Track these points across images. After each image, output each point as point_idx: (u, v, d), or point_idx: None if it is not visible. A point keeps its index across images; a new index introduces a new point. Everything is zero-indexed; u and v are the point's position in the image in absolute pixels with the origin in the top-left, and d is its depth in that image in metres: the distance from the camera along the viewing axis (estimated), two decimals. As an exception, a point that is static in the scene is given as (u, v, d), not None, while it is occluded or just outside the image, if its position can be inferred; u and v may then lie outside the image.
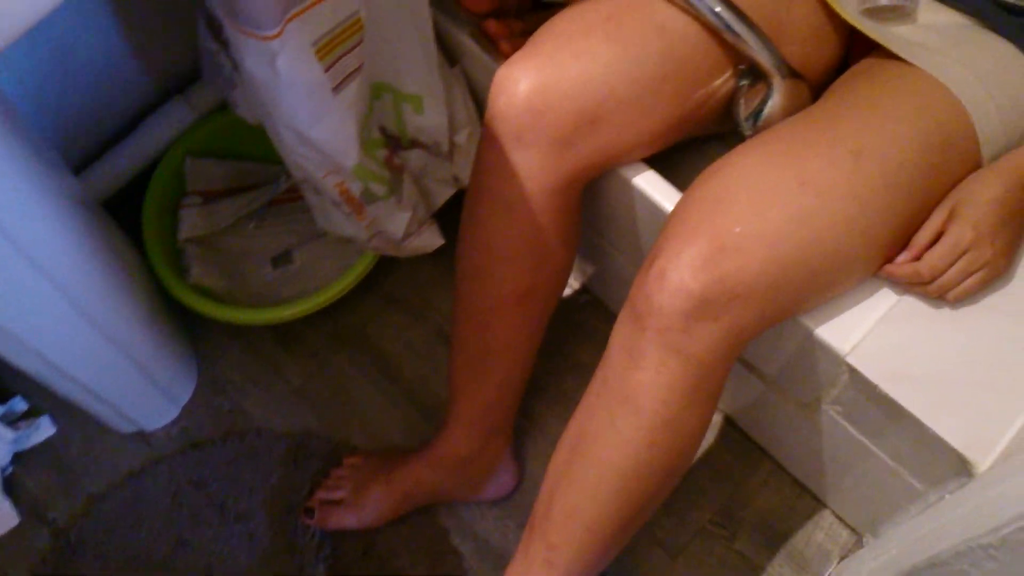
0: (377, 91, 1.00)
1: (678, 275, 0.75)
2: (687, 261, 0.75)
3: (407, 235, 1.11)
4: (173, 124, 1.23)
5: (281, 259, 1.30)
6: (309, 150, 0.93)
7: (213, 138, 1.27)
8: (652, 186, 0.93)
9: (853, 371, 0.83)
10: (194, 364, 1.26)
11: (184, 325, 1.25)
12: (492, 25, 1.00)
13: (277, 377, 1.27)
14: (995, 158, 0.84)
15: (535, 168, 0.87)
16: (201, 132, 1.25)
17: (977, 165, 0.84)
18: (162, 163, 1.24)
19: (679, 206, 0.81)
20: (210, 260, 1.26)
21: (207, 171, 1.28)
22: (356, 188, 1.00)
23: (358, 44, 0.88)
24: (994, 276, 0.82)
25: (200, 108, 1.24)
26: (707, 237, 0.75)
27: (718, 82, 0.92)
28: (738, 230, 0.75)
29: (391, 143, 1.06)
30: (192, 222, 1.26)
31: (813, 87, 0.97)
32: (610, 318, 0.85)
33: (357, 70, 0.90)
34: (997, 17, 0.89)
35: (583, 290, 1.31)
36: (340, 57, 0.86)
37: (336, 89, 0.88)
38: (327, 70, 0.85)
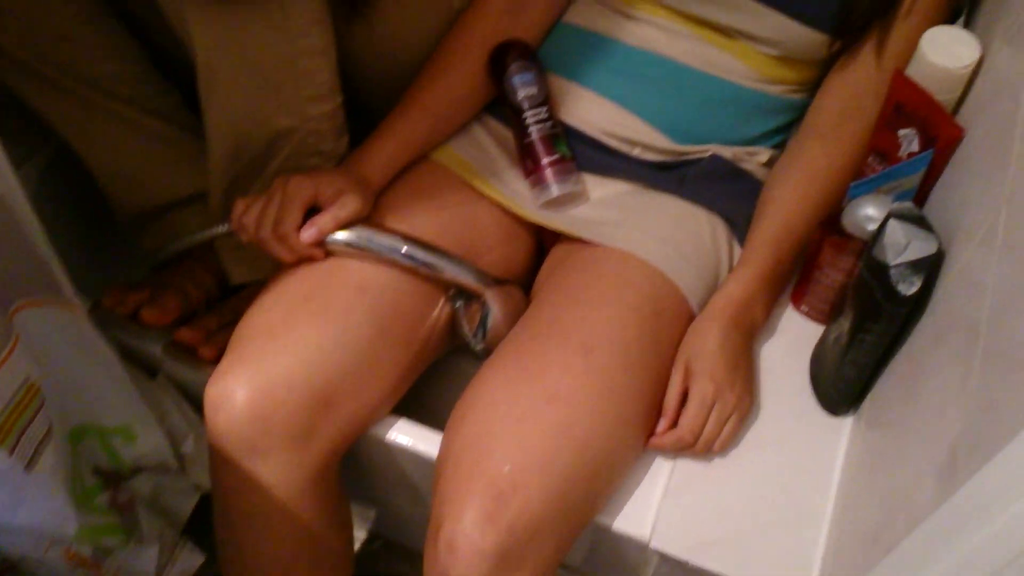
0: (78, 436, 0.90)
1: (467, 541, 0.71)
2: (471, 520, 0.71)
3: (161, 567, 0.98)
4: None
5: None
6: (18, 536, 0.80)
7: None
8: (409, 436, 0.89)
9: (661, 554, 0.82)
10: None
11: None
12: (185, 333, 0.94)
13: None
14: (703, 304, 0.89)
15: (281, 472, 0.80)
16: None
17: (691, 316, 0.89)
18: None
19: (444, 456, 0.78)
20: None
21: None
22: (86, 550, 0.88)
23: (40, 408, 0.78)
24: (744, 415, 0.86)
25: None
26: (481, 488, 0.73)
27: (435, 313, 0.91)
28: (507, 469, 0.73)
29: (110, 482, 0.94)
30: None
31: (522, 281, 1.00)
32: (412, 556, 0.79)
33: (48, 434, 0.80)
34: (654, 177, 0.96)
35: (373, 537, 1.23)
36: (24, 431, 0.76)
37: (29, 465, 0.77)
38: (12, 451, 0.74)
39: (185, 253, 0.99)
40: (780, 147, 1.01)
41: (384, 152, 0.92)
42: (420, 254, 0.88)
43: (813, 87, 0.97)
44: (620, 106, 0.96)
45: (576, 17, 1.00)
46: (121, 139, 0.96)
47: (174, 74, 0.98)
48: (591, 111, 0.97)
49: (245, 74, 0.82)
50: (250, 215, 0.85)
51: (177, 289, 0.98)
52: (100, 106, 0.93)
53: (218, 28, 0.79)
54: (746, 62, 0.94)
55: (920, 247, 0.71)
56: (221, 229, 0.91)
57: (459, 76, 0.96)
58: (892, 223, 0.72)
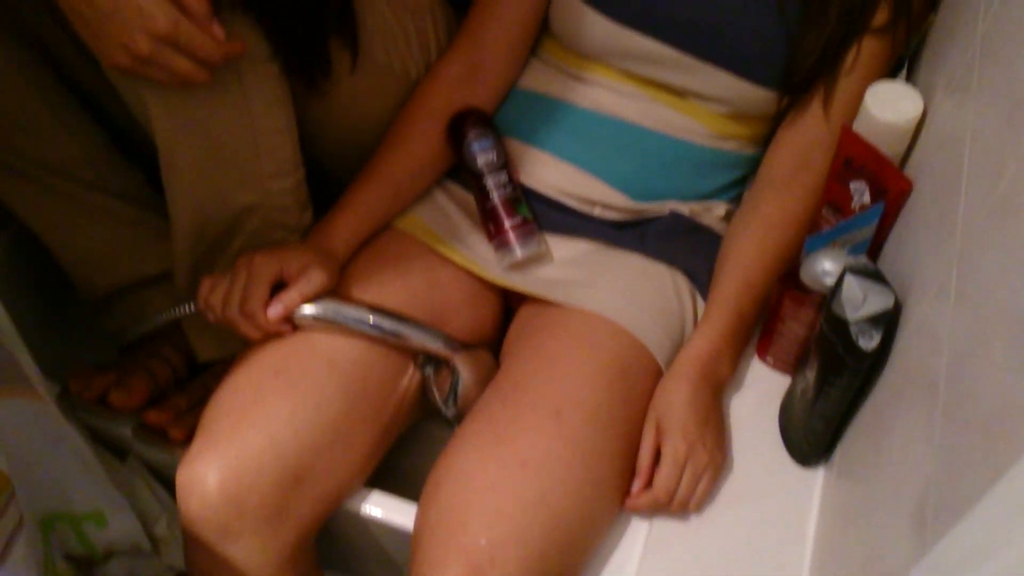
0: (49, 524, 0.88)
1: None
2: None
3: (138, 653, 0.96)
4: None
5: None
6: (-13, 633, 0.78)
7: None
8: (383, 509, 0.89)
9: (641, 616, 0.82)
10: None
11: None
12: (154, 416, 0.93)
13: None
14: (670, 360, 0.90)
15: (256, 553, 0.79)
16: None
17: (659, 373, 0.90)
18: None
19: (420, 528, 0.78)
20: None
21: None
22: (59, 643, 0.86)
23: (11, 499, 0.77)
24: (718, 471, 0.87)
25: None
26: (459, 562, 0.73)
27: (405, 381, 0.91)
28: (484, 542, 0.73)
29: (83, 568, 0.93)
30: None
31: (490, 343, 1.00)
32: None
33: (19, 524, 0.78)
34: (615, 236, 0.98)
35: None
36: (-9, 526, 0.75)
37: (1, 559, 0.76)
38: (-21, 550, 0.73)
39: (152, 332, 0.98)
40: (736, 200, 1.03)
41: (347, 224, 0.92)
42: (387, 323, 0.88)
43: (765, 141, 0.99)
44: (578, 167, 0.98)
45: (530, 82, 1.02)
46: (84, 222, 0.96)
47: (136, 153, 0.99)
48: (550, 173, 0.99)
49: (206, 155, 0.83)
50: (216, 294, 0.85)
51: (144, 370, 0.97)
52: (62, 191, 0.93)
53: (178, 113, 0.79)
54: (698, 120, 0.96)
55: (877, 301, 0.72)
56: (187, 309, 0.91)
57: (418, 145, 0.97)
58: (848, 278, 0.74)
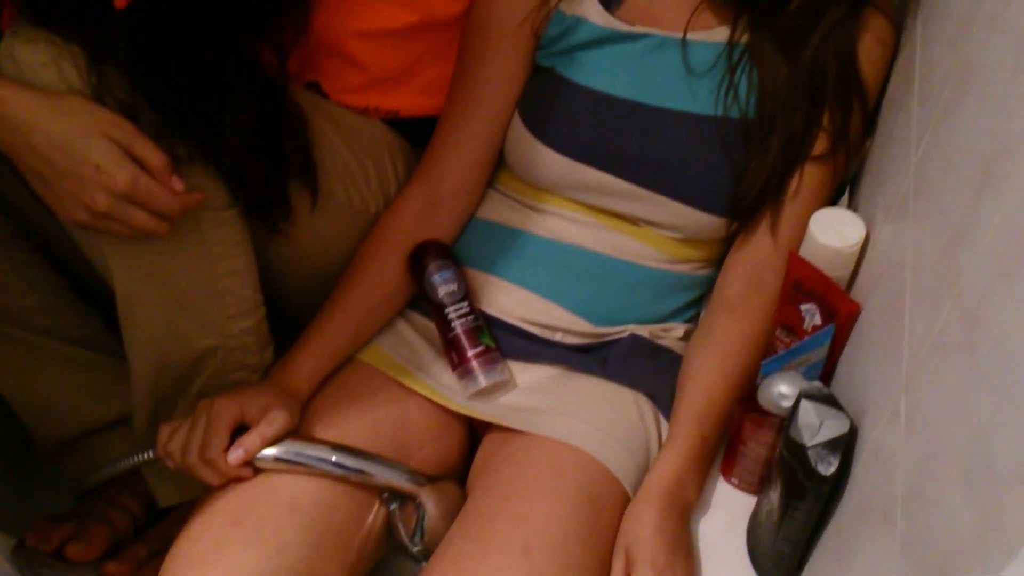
0: None
1: None
2: None
3: None
4: None
5: None
6: None
7: None
8: (349, 656, 0.86)
9: None
10: None
11: None
12: (113, 568, 0.91)
13: None
14: (637, 485, 0.90)
15: None
16: None
17: (627, 499, 0.89)
18: None
19: None
20: None
21: None
22: None
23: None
24: None
25: None
26: None
27: (370, 519, 0.90)
28: None
29: None
30: None
31: (457, 474, 1.00)
32: None
33: None
34: (576, 360, 0.99)
35: None
36: None
37: None
38: None
39: (111, 478, 0.97)
40: (693, 321, 1.05)
41: (309, 361, 0.93)
42: (350, 462, 0.88)
43: (718, 261, 1.02)
44: (538, 295, 1.00)
45: (489, 213, 1.05)
46: (40, 370, 0.95)
47: (95, 296, 0.99)
48: (510, 301, 1.00)
49: (166, 302, 0.84)
50: (175, 442, 0.84)
51: (103, 519, 0.95)
52: (19, 339, 0.93)
53: (137, 263, 0.80)
54: (653, 245, 0.99)
55: (833, 427, 0.73)
56: (146, 456, 0.90)
57: (379, 279, 0.99)
58: (804, 404, 0.75)
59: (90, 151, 0.71)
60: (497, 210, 1.04)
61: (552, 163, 0.97)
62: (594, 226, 0.99)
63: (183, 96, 0.77)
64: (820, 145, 0.93)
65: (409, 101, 1.04)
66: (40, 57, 0.72)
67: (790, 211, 0.93)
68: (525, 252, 1.01)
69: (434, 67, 1.02)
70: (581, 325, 0.99)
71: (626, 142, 0.95)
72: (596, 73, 0.97)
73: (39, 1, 0.71)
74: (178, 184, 0.76)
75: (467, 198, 1.04)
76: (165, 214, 0.76)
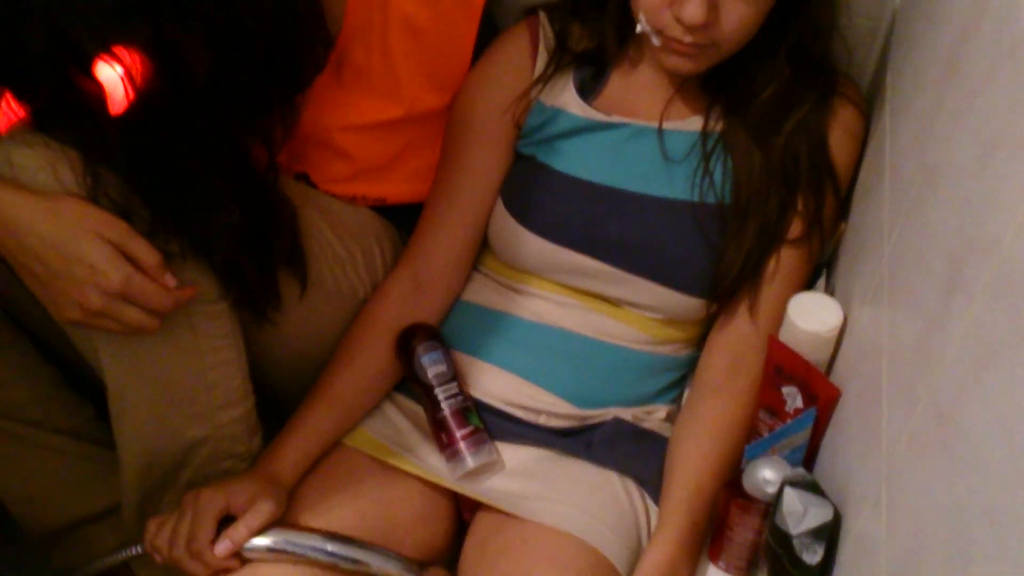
0: None
1: None
2: None
3: None
4: None
5: None
6: None
7: None
8: None
9: None
10: None
11: None
12: None
13: None
14: (630, 571, 0.90)
15: None
16: None
17: None
18: None
19: None
20: None
21: None
22: None
23: None
24: None
25: None
26: None
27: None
28: None
29: None
30: None
31: (445, 559, 0.99)
32: None
33: None
34: (562, 443, 0.99)
35: None
36: None
37: None
38: None
39: (99, 572, 0.96)
40: (676, 401, 1.06)
41: (295, 449, 0.93)
42: (343, 550, 0.87)
43: (700, 341, 1.04)
44: (521, 378, 1.01)
45: (473, 295, 1.07)
46: (31, 462, 0.95)
47: (85, 385, 1.00)
48: (494, 384, 1.01)
49: (156, 395, 0.84)
50: (162, 536, 0.84)
51: (91, 613, 0.94)
52: (8, 431, 0.93)
53: (128, 357, 0.81)
54: (634, 327, 1.01)
55: (817, 515, 0.74)
56: (135, 551, 0.89)
57: (366, 363, 1.00)
58: (788, 491, 0.76)
59: (85, 252, 0.73)
60: (481, 293, 1.06)
61: (534, 247, 0.99)
62: (577, 308, 1.01)
63: (176, 195, 0.78)
64: (795, 229, 0.96)
65: (396, 189, 1.07)
66: (37, 161, 0.74)
67: (768, 293, 0.96)
68: (509, 335, 1.03)
69: (420, 157, 1.05)
70: (564, 407, 1.00)
71: (606, 227, 0.97)
72: (576, 161, 1.00)
73: (38, 108, 0.73)
74: (170, 280, 0.77)
75: (452, 281, 1.06)
76: (157, 310, 0.77)
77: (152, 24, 0.69)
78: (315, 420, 0.96)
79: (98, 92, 0.70)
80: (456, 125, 1.04)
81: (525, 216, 1.00)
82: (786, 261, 0.96)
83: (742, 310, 0.97)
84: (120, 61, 0.69)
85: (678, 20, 0.86)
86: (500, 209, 1.03)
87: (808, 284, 1.00)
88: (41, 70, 0.70)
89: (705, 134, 0.98)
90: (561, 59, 1.02)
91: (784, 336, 0.89)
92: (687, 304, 0.98)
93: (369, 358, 1.00)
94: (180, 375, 0.84)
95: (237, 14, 0.73)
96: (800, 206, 0.96)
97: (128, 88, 0.70)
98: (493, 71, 1.04)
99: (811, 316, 0.88)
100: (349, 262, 1.02)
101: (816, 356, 0.88)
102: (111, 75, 0.70)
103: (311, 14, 0.87)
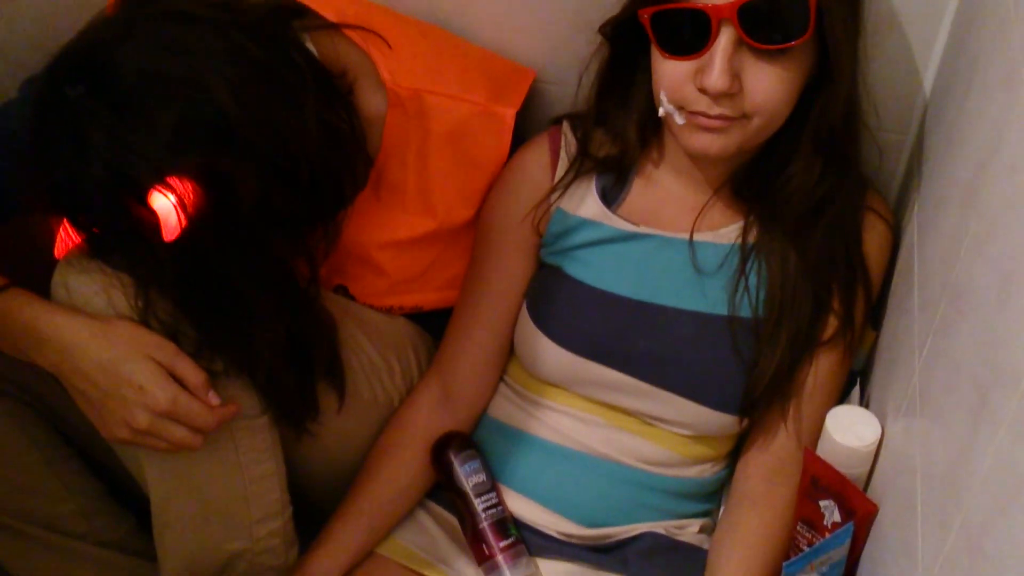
0: None
1: None
2: None
3: None
4: None
5: None
6: None
7: None
8: None
9: None
10: None
11: None
12: None
13: None
14: None
15: None
16: None
17: None
18: None
19: None
20: None
21: None
22: None
23: None
24: None
25: None
26: None
27: None
28: None
29: None
30: None
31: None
32: None
33: None
34: (596, 559, 0.98)
35: None
36: None
37: None
38: None
39: None
40: (709, 515, 1.04)
41: (329, 558, 0.94)
42: None
43: (730, 459, 1.02)
44: (544, 507, 1.00)
45: (496, 411, 1.06)
46: (72, 574, 0.97)
47: (128, 496, 1.02)
48: (516, 506, 1.01)
49: (197, 507, 0.86)
50: (202, 649, 0.85)
51: None
52: (54, 545, 0.96)
53: (172, 473, 0.83)
54: (663, 445, 0.99)
55: (856, 638, 0.73)
56: (174, 663, 0.90)
57: (397, 471, 1.00)
58: (826, 613, 0.75)
59: (134, 373, 0.76)
60: (504, 409, 1.05)
61: (556, 357, 0.97)
62: (602, 426, 0.99)
63: (223, 313, 0.82)
64: (828, 330, 0.94)
65: (431, 297, 1.09)
66: (92, 286, 0.77)
67: (804, 400, 0.94)
68: (529, 459, 1.01)
69: (451, 267, 1.07)
70: (591, 532, 0.99)
71: (632, 340, 0.95)
72: (600, 272, 0.98)
73: (94, 237, 0.78)
74: (214, 399, 0.80)
75: (480, 389, 1.05)
76: (202, 429, 0.80)
77: (205, 157, 0.73)
78: (347, 530, 0.96)
79: (152, 220, 0.74)
80: (479, 235, 1.05)
81: (548, 326, 0.98)
82: (820, 368, 0.94)
83: (777, 420, 0.96)
84: (173, 191, 0.73)
85: (702, 91, 0.83)
86: (524, 317, 1.01)
87: (843, 394, 1.00)
88: (99, 201, 0.74)
89: (743, 245, 0.96)
90: (582, 165, 1.00)
91: (821, 450, 0.89)
92: (717, 419, 0.96)
93: (400, 466, 1.01)
94: (222, 489, 0.86)
95: (286, 145, 0.77)
96: (834, 304, 0.94)
97: (181, 215, 0.74)
98: (512, 179, 1.03)
99: (848, 431, 0.87)
100: (386, 372, 1.04)
101: (854, 471, 0.87)
102: (165, 204, 0.74)
103: (354, 138, 0.91)
